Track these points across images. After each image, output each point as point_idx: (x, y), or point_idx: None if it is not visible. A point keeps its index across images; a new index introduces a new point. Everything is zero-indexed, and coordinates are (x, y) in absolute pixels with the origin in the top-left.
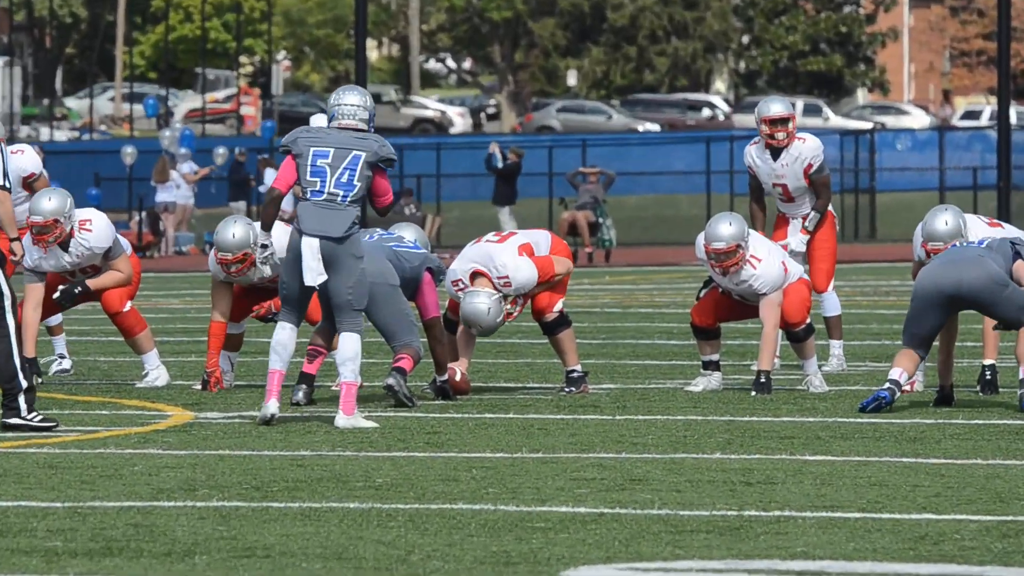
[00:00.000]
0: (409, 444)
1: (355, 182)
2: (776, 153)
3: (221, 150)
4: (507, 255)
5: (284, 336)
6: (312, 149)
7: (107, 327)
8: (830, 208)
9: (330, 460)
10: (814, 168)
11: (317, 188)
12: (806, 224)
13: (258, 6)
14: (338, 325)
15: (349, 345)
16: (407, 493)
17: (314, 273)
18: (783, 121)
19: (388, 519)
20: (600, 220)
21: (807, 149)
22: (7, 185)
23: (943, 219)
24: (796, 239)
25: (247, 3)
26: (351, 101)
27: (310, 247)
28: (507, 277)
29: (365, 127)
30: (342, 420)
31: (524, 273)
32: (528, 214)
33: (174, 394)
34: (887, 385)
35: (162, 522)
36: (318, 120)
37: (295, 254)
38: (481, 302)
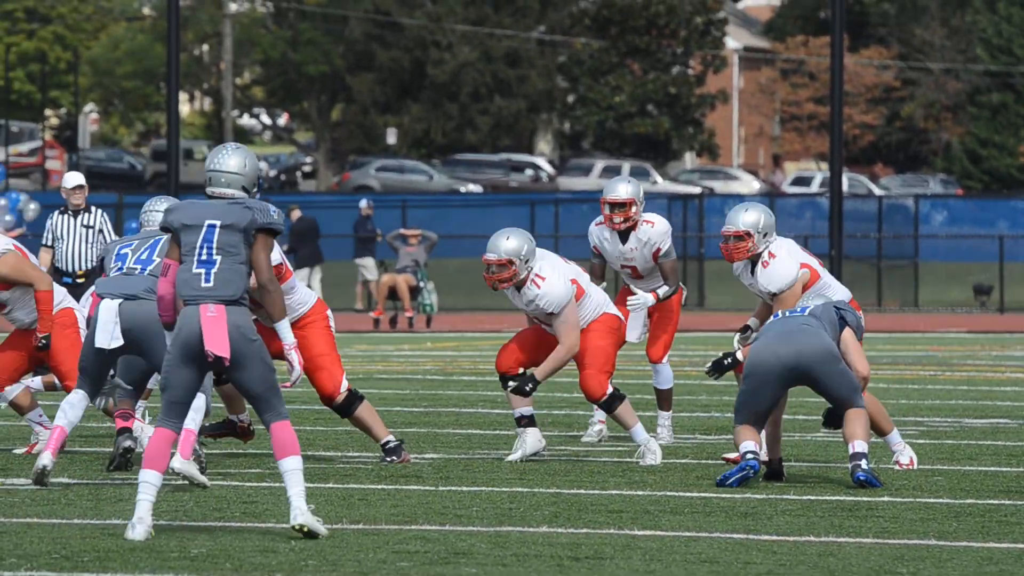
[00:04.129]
0: (225, 514)
1: (153, 257)
2: (624, 235)
3: (33, 205)
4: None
5: (75, 398)
6: (119, 246)
7: None
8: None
9: None
10: (663, 252)
11: (117, 267)
12: (659, 291)
13: (64, 56)
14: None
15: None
16: (223, 564)
17: (108, 335)
18: (622, 206)
19: None
20: (421, 284)
21: (656, 234)
22: None
23: (744, 207)
24: (645, 295)
25: (53, 53)
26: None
27: (108, 308)
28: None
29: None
30: (178, 463)
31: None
32: (346, 277)
33: None
34: (748, 456)
35: None
36: (73, 178)
37: (93, 323)
38: None
